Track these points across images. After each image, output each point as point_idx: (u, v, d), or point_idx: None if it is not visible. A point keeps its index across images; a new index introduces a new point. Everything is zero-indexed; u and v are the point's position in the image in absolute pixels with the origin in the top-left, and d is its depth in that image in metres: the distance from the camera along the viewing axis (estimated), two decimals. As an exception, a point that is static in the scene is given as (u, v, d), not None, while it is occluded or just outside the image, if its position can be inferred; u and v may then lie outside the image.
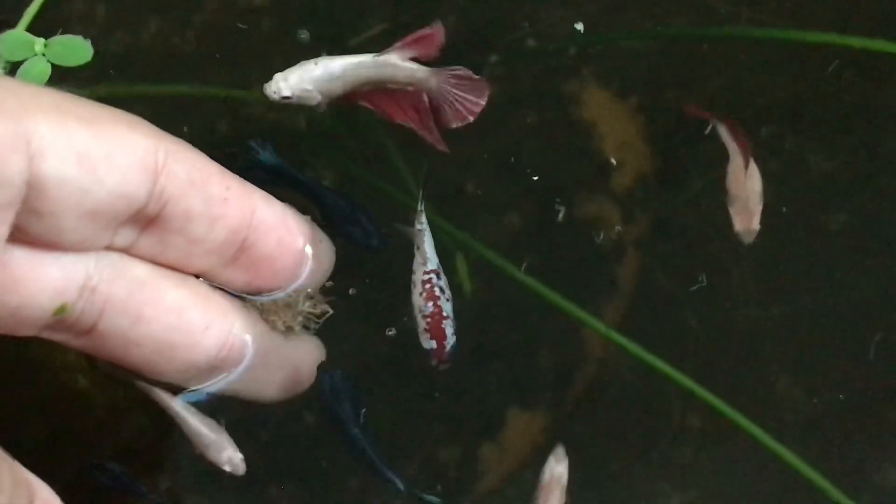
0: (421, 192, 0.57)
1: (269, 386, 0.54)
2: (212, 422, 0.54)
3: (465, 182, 0.60)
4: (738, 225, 0.59)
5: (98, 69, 0.61)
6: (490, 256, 0.59)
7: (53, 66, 0.60)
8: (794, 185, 0.60)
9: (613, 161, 0.61)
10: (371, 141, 0.61)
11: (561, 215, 0.60)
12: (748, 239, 0.59)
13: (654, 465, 0.58)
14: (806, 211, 0.60)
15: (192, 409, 0.54)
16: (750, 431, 0.57)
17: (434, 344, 0.56)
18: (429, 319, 0.56)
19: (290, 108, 0.57)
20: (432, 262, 0.57)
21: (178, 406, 0.53)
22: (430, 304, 0.56)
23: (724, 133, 0.60)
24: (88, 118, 0.46)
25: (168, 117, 0.51)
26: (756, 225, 0.59)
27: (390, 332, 0.58)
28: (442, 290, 0.56)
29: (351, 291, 0.58)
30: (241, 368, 0.52)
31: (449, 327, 0.56)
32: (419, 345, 0.56)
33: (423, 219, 0.57)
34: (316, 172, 0.61)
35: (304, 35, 0.62)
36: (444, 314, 0.56)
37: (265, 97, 0.55)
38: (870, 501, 0.56)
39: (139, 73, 0.62)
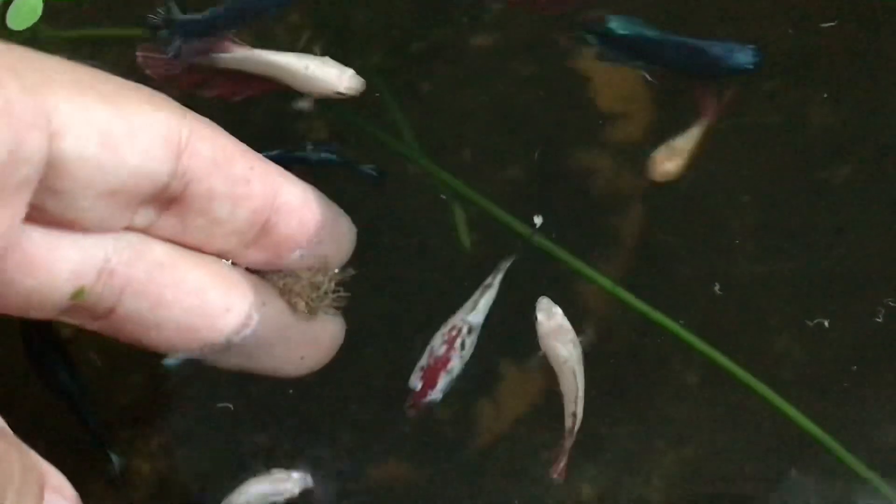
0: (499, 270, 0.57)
1: (288, 363, 0.53)
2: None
3: (464, 133, 0.60)
4: None
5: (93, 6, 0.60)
6: (489, 208, 0.59)
7: (45, 1, 0.59)
8: (796, 140, 0.59)
9: (613, 112, 0.60)
10: (366, 88, 0.59)
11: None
12: None
13: (651, 422, 0.57)
14: (808, 165, 0.59)
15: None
16: (750, 387, 0.56)
17: (419, 387, 0.55)
18: (432, 361, 0.55)
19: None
20: (477, 317, 0.56)
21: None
22: (444, 348, 0.55)
23: None
24: (110, 94, 0.45)
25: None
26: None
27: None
28: (463, 346, 0.55)
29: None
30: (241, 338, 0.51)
31: (443, 381, 0.55)
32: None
33: (499, 277, 0.57)
34: (308, 123, 0.60)
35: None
36: (449, 367, 0.55)
37: None
38: (869, 459, 0.56)
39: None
